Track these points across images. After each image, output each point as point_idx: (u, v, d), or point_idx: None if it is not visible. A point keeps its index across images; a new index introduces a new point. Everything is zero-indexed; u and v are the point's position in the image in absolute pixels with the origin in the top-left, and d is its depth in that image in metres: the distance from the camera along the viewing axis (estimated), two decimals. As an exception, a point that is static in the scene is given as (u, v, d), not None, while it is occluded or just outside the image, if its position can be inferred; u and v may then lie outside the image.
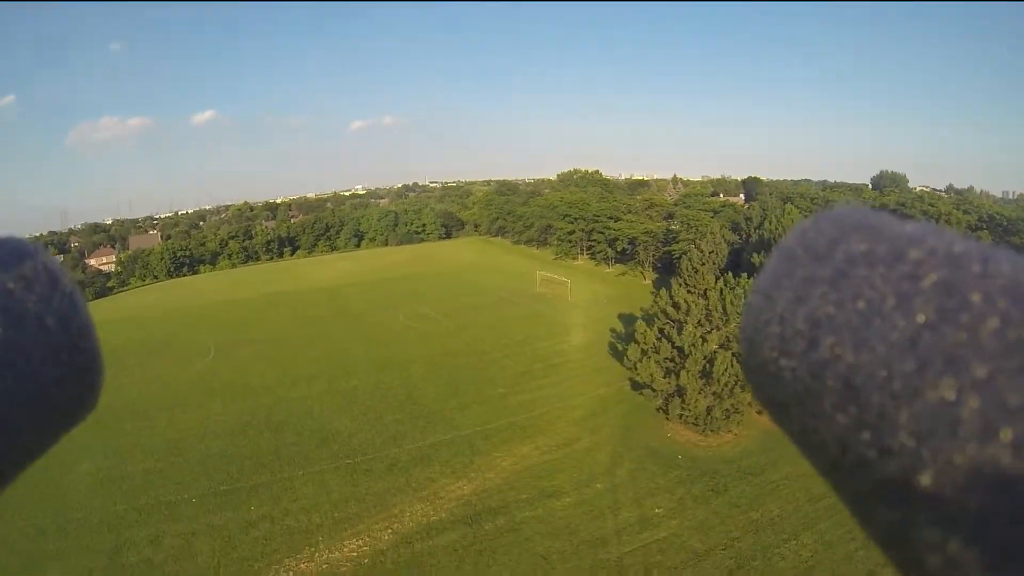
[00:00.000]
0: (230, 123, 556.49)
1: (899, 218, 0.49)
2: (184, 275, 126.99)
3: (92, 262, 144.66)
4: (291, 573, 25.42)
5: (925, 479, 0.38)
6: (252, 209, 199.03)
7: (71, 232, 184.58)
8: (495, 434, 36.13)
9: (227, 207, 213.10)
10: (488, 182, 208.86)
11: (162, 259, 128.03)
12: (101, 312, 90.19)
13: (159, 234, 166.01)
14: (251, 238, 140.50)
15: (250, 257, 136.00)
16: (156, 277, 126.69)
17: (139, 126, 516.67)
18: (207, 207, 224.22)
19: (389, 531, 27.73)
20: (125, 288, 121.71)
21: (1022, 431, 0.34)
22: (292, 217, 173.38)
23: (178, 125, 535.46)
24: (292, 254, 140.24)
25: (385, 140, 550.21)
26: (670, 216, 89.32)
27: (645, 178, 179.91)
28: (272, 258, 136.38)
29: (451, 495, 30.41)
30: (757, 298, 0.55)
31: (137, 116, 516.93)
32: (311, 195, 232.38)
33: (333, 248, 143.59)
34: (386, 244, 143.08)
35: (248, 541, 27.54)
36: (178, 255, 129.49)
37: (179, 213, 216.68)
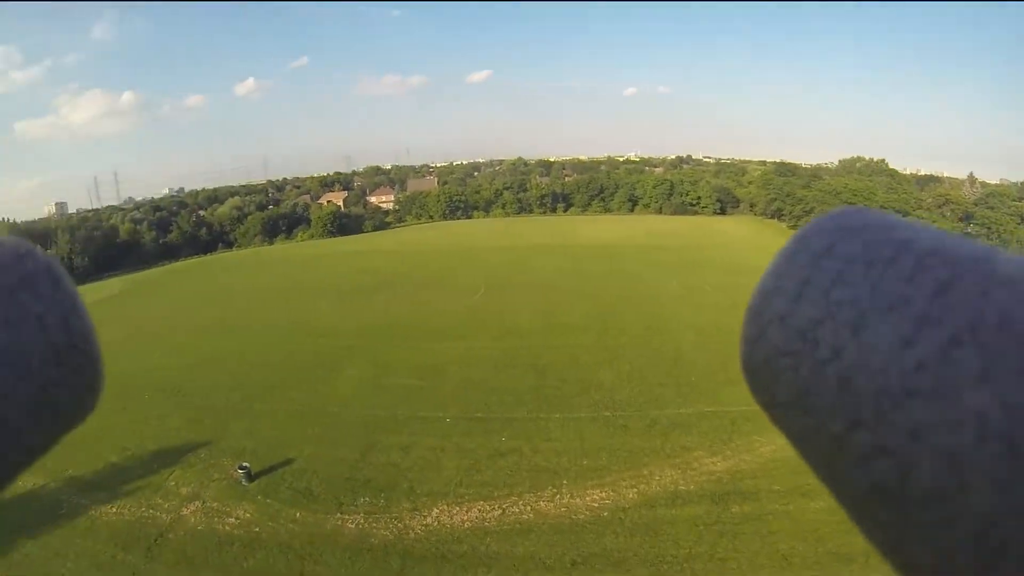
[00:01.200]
0: (505, 83, 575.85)
1: (899, 219, 0.50)
2: (458, 219, 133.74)
3: (372, 199, 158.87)
4: (530, 508, 25.09)
5: (922, 479, 0.37)
6: (526, 164, 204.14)
7: (354, 173, 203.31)
8: (759, 417, 32.21)
9: (500, 161, 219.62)
10: (763, 162, 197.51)
11: (439, 201, 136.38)
12: (378, 242, 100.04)
13: (436, 179, 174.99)
14: (525, 191, 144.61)
15: (523, 209, 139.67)
16: (431, 218, 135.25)
17: (418, 83, 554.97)
18: (480, 160, 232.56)
19: (635, 490, 26.43)
20: (401, 224, 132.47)
21: (1021, 431, 0.34)
22: (565, 176, 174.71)
23: (454, 83, 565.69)
24: (565, 211, 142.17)
25: (658, 109, 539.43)
26: (967, 217, 79.70)
27: (935, 173, 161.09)
28: (545, 212, 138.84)
29: (703, 468, 28.57)
30: (758, 299, 0.55)
31: (417, 75, 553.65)
32: (583, 157, 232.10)
33: (607, 210, 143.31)
34: (660, 212, 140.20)
35: (493, 468, 27.72)
36: (453, 199, 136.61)
37: (453, 163, 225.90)
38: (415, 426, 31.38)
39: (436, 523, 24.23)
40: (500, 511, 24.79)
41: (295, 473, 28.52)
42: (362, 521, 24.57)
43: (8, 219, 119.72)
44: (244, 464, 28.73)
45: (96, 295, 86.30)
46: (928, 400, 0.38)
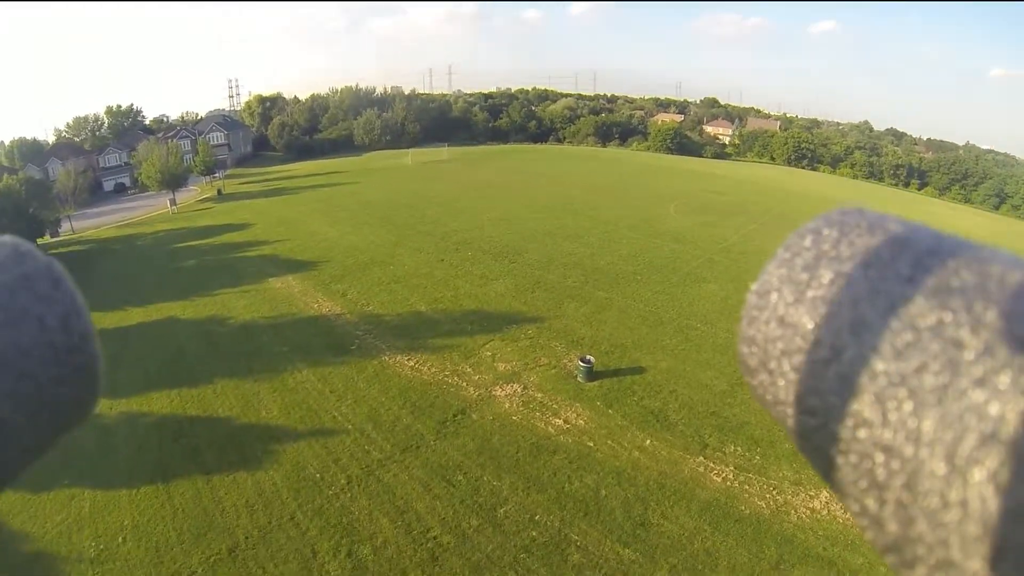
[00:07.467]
0: (850, 39, 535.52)
1: (898, 219, 0.51)
2: (802, 167, 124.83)
3: (708, 129, 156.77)
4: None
5: (923, 478, 0.38)
6: (872, 131, 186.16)
7: (687, 101, 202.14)
8: None
9: (840, 124, 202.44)
10: None
11: (785, 144, 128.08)
12: (722, 169, 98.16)
13: (779, 124, 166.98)
14: (878, 156, 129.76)
15: (872, 175, 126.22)
16: (773, 159, 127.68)
17: (757, 25, 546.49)
18: (818, 117, 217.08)
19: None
20: (740, 159, 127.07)
21: (1021, 432, 0.34)
22: (919, 151, 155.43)
23: (795, 30, 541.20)
24: (919, 189, 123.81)
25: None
26: None
27: None
28: (897, 185, 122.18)
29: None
30: (756, 299, 0.55)
31: (757, 16, 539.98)
32: (934, 137, 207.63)
33: (967, 200, 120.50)
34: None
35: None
36: (802, 146, 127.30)
37: (787, 115, 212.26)
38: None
39: (824, 511, 17.98)
40: (905, 530, 17.43)
41: (648, 387, 23.45)
42: (731, 477, 18.94)
43: (353, 86, 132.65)
44: (587, 357, 23.86)
45: (427, 157, 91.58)
46: (930, 400, 0.38)
